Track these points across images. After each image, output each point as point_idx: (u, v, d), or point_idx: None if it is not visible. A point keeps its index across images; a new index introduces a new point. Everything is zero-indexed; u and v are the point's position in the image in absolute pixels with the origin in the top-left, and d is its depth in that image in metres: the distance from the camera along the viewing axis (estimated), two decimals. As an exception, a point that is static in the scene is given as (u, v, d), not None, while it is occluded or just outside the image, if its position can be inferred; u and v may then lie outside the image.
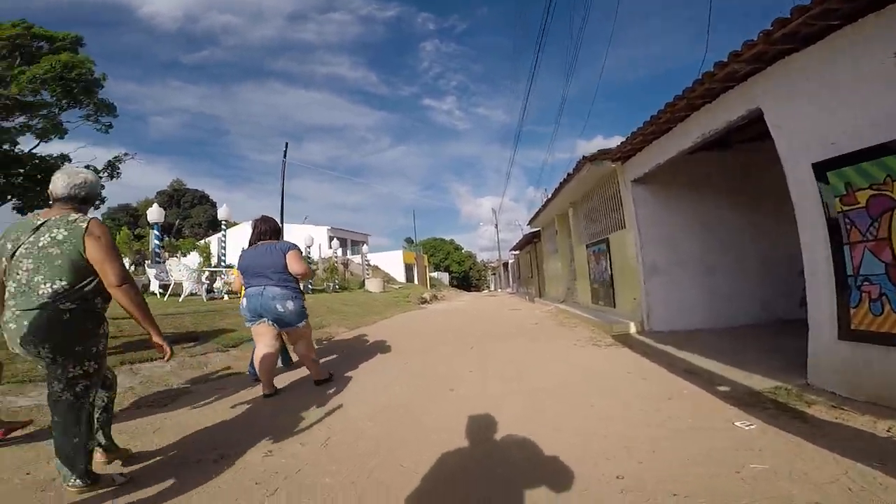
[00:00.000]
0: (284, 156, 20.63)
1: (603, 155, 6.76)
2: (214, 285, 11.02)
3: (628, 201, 6.54)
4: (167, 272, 9.80)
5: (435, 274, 43.90)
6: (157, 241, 11.21)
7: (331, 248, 23.56)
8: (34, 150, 14.67)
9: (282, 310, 3.70)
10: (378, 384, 4.14)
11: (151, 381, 4.26)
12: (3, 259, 2.04)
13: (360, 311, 11.63)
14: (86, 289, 2.04)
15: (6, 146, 13.48)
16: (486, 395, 3.54)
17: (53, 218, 2.06)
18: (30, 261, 1.98)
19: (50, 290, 1.96)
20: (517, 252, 27.06)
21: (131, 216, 42.47)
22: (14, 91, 12.72)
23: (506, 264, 40.44)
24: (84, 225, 2.04)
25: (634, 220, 6.39)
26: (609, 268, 7.99)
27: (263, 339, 3.73)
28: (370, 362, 5.29)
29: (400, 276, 32.05)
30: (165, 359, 2.29)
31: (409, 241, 51.07)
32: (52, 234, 2.00)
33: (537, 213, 14.23)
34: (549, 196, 11.15)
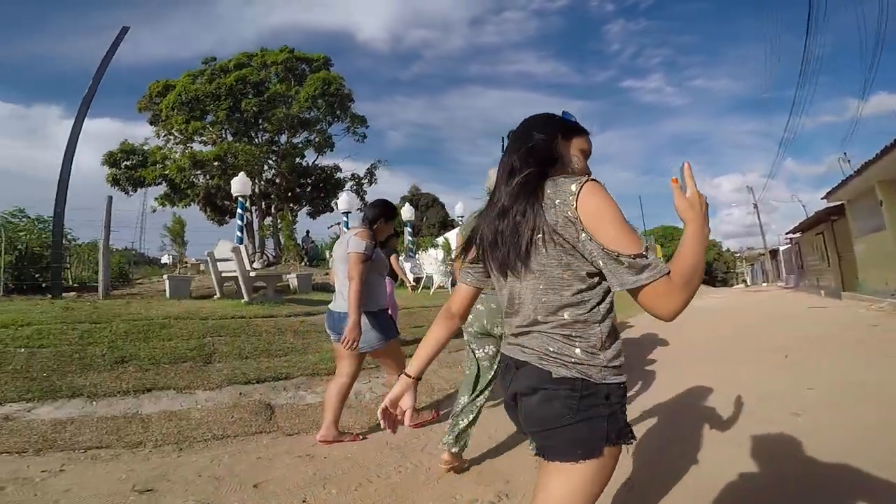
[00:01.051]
0: (502, 150, 21.97)
1: None
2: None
3: None
4: (420, 266, 10.53)
5: (668, 266, 38.56)
6: (409, 238, 12.36)
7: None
8: (316, 162, 18.04)
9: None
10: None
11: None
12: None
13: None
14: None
15: (297, 159, 16.93)
16: None
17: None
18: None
19: None
20: (796, 235, 20.98)
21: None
22: (295, 110, 15.70)
23: (774, 252, 32.53)
24: None
25: None
26: None
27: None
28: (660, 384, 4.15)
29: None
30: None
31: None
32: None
33: (843, 183, 10.93)
34: (874, 157, 8.19)
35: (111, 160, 14.88)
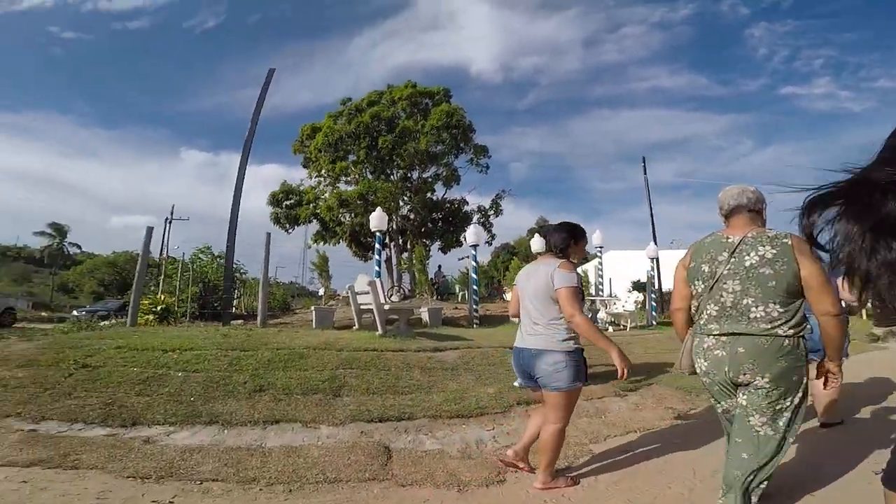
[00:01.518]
0: (644, 172, 21.24)
1: None
2: (598, 315, 10.43)
3: None
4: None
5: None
6: (543, 272, 11.75)
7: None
8: (444, 196, 18.29)
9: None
10: None
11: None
12: (698, 281, 2.03)
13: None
14: (797, 314, 1.88)
15: (428, 194, 17.43)
16: None
17: (750, 234, 1.94)
18: (736, 282, 1.90)
19: (764, 314, 1.86)
20: None
21: (510, 253, 50.18)
22: (423, 145, 16.23)
23: None
24: (789, 241, 1.85)
25: None
26: None
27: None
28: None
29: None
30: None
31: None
32: (760, 253, 1.88)
33: None
34: None
35: (274, 200, 16.97)
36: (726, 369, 1.91)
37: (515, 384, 5.04)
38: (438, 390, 4.46)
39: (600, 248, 13.06)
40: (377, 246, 10.12)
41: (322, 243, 16.82)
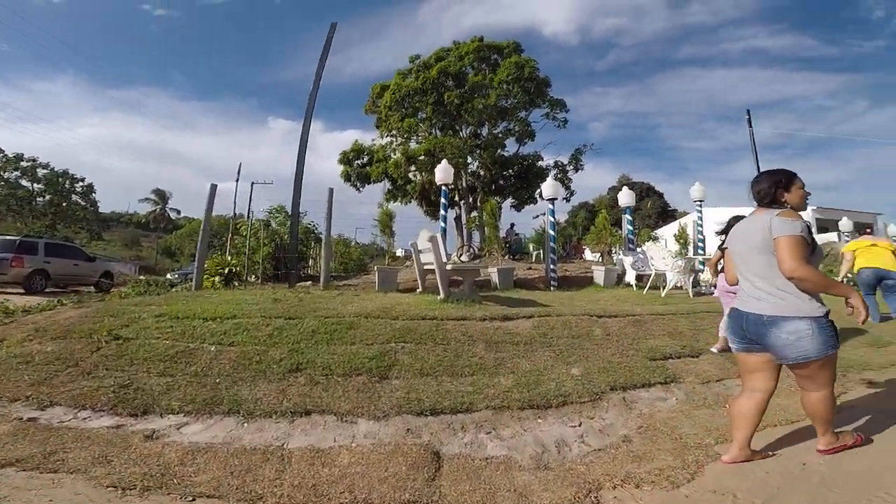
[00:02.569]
0: (749, 124, 19.04)
1: None
2: (701, 277, 8.91)
3: None
4: (647, 260, 8.47)
5: None
6: (629, 227, 10.28)
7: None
8: (518, 152, 17.12)
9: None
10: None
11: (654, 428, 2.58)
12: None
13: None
14: None
15: (499, 150, 16.28)
16: None
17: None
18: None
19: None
20: None
21: (589, 212, 47.42)
22: (492, 100, 14.95)
23: None
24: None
25: None
26: None
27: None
28: None
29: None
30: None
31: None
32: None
33: None
34: None
35: (345, 159, 16.87)
36: None
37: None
38: (507, 371, 3.64)
39: (700, 201, 11.19)
40: (443, 201, 9.32)
41: (394, 202, 16.57)
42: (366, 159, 17.01)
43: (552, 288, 8.42)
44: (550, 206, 9.22)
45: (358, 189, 17.07)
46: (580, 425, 3.01)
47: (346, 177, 16.91)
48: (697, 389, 3.59)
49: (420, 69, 15.88)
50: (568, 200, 18.08)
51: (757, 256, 2.22)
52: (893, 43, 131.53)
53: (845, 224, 16.84)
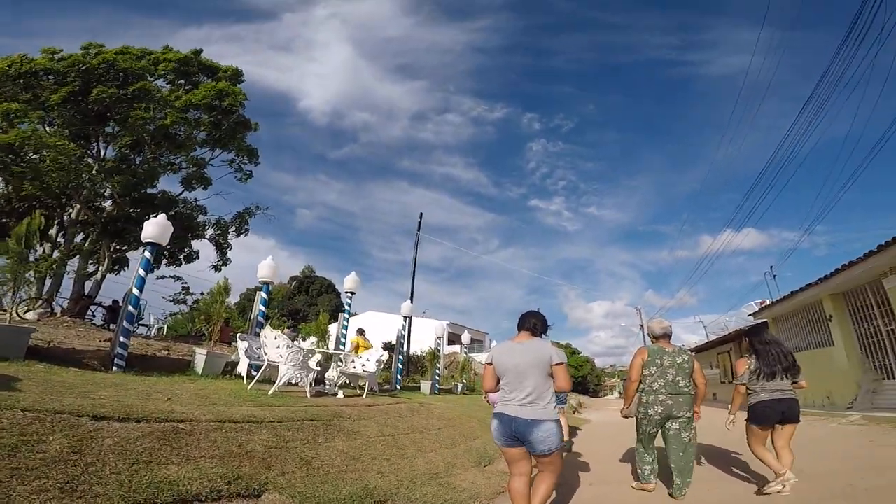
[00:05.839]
0: (419, 228, 21.19)
1: None
2: (326, 375, 7.78)
3: None
4: (260, 348, 6.73)
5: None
6: (262, 307, 8.46)
7: (459, 344, 20.17)
8: (181, 196, 13.80)
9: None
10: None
11: None
12: (653, 368, 3.90)
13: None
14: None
15: (145, 185, 12.44)
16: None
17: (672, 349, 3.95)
18: (674, 370, 3.83)
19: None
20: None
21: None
22: (168, 121, 11.88)
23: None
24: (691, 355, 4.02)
25: None
26: None
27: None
28: None
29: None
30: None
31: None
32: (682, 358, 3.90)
33: (779, 300, 13.36)
34: (835, 271, 9.64)
35: None
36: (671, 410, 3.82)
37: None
38: None
39: (351, 293, 10.81)
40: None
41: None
42: None
43: (115, 369, 5.61)
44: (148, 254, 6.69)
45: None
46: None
47: None
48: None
49: (89, 54, 11.36)
50: (218, 269, 14.79)
51: (532, 373, 2.83)
52: (529, 192, 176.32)
53: (465, 338, 20.16)
